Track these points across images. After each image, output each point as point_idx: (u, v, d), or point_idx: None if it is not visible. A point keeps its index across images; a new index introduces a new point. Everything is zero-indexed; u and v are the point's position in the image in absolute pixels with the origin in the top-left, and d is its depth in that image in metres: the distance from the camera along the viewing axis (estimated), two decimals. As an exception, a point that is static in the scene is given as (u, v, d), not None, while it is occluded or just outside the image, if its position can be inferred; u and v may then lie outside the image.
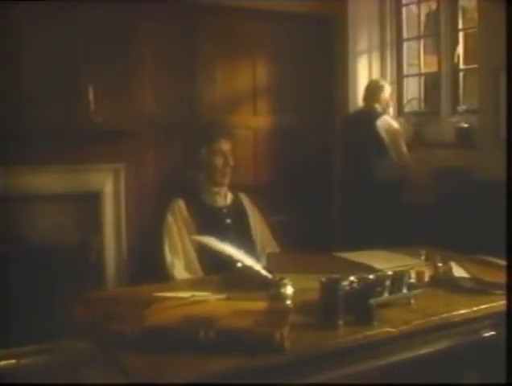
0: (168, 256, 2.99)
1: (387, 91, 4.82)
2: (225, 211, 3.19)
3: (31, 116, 3.89)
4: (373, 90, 4.84)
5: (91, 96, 4.07)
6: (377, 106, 4.75)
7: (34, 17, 3.96)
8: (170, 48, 4.56)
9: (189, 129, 4.42)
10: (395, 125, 4.69)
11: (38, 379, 3.27)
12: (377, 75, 5.25)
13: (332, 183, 5.25)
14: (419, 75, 5.19)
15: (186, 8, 4.51)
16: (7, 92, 3.90)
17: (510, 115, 2.75)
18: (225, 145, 3.18)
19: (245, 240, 2.99)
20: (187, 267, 2.98)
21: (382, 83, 4.89)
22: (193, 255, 3.01)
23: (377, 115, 4.67)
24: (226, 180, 3.19)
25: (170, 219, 3.09)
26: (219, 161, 3.14)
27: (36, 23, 3.99)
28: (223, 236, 2.58)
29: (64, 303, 2.46)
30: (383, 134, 4.58)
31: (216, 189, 3.19)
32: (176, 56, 4.60)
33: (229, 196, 3.26)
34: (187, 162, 3.22)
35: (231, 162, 3.16)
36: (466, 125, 4.54)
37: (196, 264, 2.99)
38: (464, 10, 4.93)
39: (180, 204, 3.12)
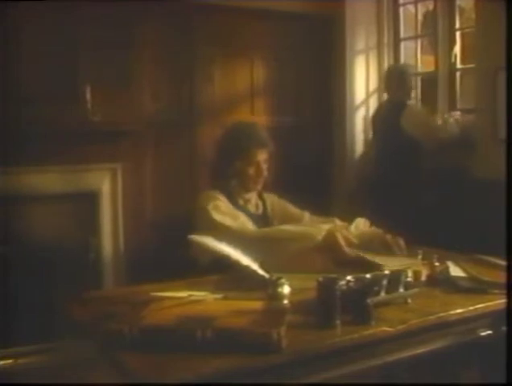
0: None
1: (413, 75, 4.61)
2: (256, 218, 3.05)
3: (29, 116, 3.90)
4: (395, 76, 4.65)
5: (88, 96, 4.08)
6: (402, 95, 4.54)
7: (32, 17, 3.96)
8: (168, 48, 4.57)
9: (187, 129, 4.45)
10: (424, 113, 4.49)
11: (36, 379, 3.27)
12: (375, 75, 5.26)
13: (330, 183, 5.26)
14: (416, 74, 5.19)
15: (184, 8, 4.52)
16: (5, 92, 3.90)
17: (510, 115, 2.77)
18: (261, 156, 3.04)
19: None
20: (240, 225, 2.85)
21: (406, 67, 4.73)
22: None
23: (400, 108, 4.47)
24: (259, 186, 3.09)
25: (213, 204, 2.89)
26: (252, 171, 3.02)
27: (34, 24, 3.99)
28: None
29: (62, 303, 2.46)
30: (410, 131, 4.37)
31: (247, 195, 3.10)
32: (175, 56, 4.61)
33: (260, 206, 3.17)
34: (218, 172, 3.12)
35: (265, 173, 3.05)
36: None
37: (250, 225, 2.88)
38: (462, 10, 4.94)
39: (220, 195, 2.96)
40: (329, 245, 2.73)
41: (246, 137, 3.04)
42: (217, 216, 2.84)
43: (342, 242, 2.74)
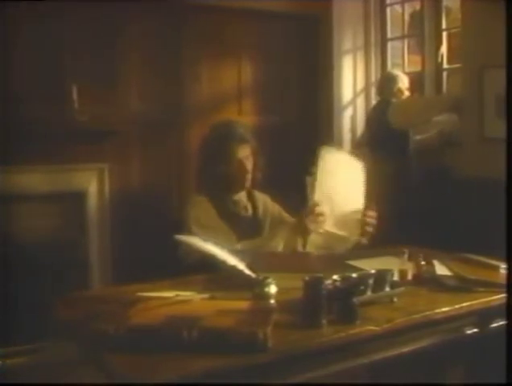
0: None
1: (402, 81, 4.67)
2: (246, 221, 3.01)
3: (15, 115, 3.88)
4: (385, 81, 4.75)
5: (75, 96, 4.06)
6: (389, 95, 4.63)
7: (19, 17, 3.95)
8: (155, 48, 4.56)
9: (174, 129, 4.44)
10: (407, 101, 4.60)
11: (25, 379, 3.26)
12: (362, 75, 5.27)
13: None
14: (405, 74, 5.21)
15: (172, 8, 4.51)
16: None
17: (510, 115, 2.81)
18: (242, 153, 2.95)
19: None
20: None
21: (396, 73, 4.78)
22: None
23: (387, 105, 4.56)
24: (246, 184, 3.01)
25: (194, 215, 2.85)
26: (234, 169, 2.94)
27: (21, 23, 3.98)
28: None
29: (50, 303, 2.45)
30: (396, 121, 4.45)
31: (236, 196, 3.02)
32: (162, 56, 4.60)
33: (249, 207, 3.07)
34: (202, 175, 3.03)
35: (249, 170, 2.97)
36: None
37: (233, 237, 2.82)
38: (448, 10, 4.97)
39: (205, 202, 2.93)
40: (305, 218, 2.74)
41: (224, 135, 2.96)
42: (195, 229, 2.74)
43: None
